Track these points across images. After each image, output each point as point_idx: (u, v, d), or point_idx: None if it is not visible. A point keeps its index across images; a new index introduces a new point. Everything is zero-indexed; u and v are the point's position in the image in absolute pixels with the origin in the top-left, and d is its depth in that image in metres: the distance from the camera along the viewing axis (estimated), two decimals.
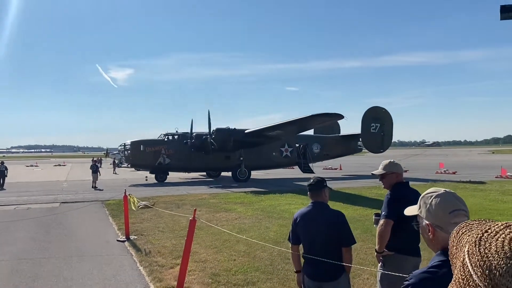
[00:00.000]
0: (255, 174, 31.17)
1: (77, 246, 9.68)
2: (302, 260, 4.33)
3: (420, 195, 4.38)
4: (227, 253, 8.65)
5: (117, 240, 10.24)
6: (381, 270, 4.24)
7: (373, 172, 4.63)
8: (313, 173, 31.55)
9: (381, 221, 4.16)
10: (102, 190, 23.08)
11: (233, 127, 27.30)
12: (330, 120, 25.04)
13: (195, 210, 6.72)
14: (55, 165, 61.82)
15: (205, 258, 8.21)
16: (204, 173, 34.19)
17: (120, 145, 29.48)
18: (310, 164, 31.73)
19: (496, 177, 27.77)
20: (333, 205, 14.31)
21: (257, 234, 10.52)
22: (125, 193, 11.49)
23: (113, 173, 40.85)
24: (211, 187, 24.18)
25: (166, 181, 28.51)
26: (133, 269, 7.73)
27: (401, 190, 4.32)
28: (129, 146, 28.52)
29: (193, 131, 28.64)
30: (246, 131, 26.99)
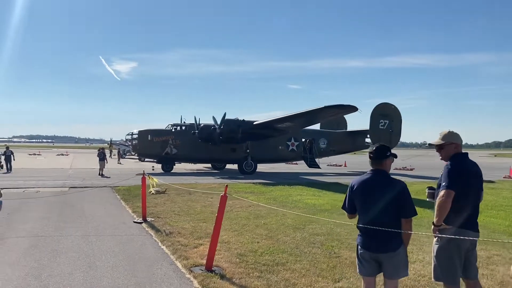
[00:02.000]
0: (260, 167, 30.85)
1: (93, 226, 9.50)
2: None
3: (479, 168, 4.18)
4: (249, 236, 8.47)
5: (134, 222, 10.06)
6: (437, 244, 4.05)
7: (430, 142, 4.40)
8: (319, 168, 31.41)
9: (442, 192, 3.92)
10: (109, 177, 22.90)
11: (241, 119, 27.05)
12: (343, 112, 24.73)
13: (226, 186, 6.55)
14: (57, 155, 61.60)
15: (228, 240, 8.03)
16: (209, 165, 34.01)
17: (127, 134, 29.36)
18: (316, 159, 31.54)
19: (504, 177, 27.64)
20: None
21: (275, 220, 10.34)
22: (143, 174, 11.32)
23: (118, 163, 40.65)
24: (218, 178, 24.00)
25: (172, 171, 28.34)
26: (156, 248, 7.56)
27: (461, 161, 4.11)
28: (136, 135, 28.29)
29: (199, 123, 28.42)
30: (255, 123, 26.71)
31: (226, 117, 26.33)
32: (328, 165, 40.06)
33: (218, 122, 26.67)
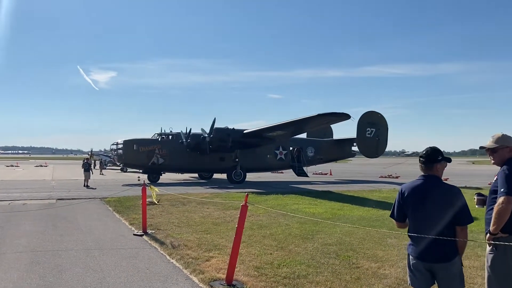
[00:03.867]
0: (247, 177, 30.47)
1: (92, 239, 9.07)
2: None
3: None
4: (259, 247, 8.20)
5: (134, 234, 9.66)
6: (492, 254, 3.84)
7: (483, 146, 4.20)
8: (307, 176, 31.33)
9: (501, 199, 3.71)
10: (95, 189, 22.28)
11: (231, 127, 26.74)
12: (336, 120, 24.62)
13: (247, 194, 6.26)
14: (36, 166, 60.03)
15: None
16: (195, 175, 33.53)
17: (112, 144, 28.55)
18: (304, 168, 31.44)
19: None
20: (342, 206, 13.91)
21: (281, 230, 10.08)
22: (143, 184, 10.93)
23: (100, 174, 39.75)
24: (207, 188, 23.60)
25: (158, 182, 27.77)
26: (165, 262, 7.20)
27: None
28: (121, 145, 27.64)
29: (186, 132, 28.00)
30: (245, 131, 26.43)
31: (216, 126, 26.03)
32: (314, 174, 40.04)
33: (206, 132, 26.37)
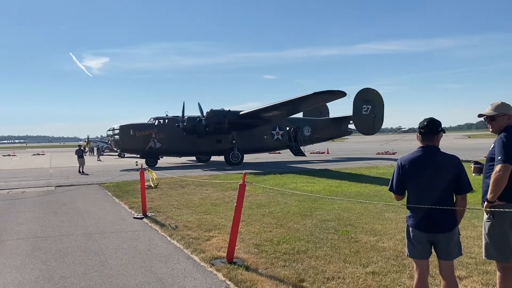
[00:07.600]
0: (245, 158, 30.55)
1: (92, 223, 9.12)
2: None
3: None
4: (258, 225, 8.27)
5: (134, 218, 9.72)
6: (489, 221, 3.89)
7: (482, 113, 4.17)
8: (305, 156, 31.40)
9: (498, 166, 3.71)
10: (88, 174, 22.28)
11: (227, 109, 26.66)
12: (332, 98, 24.44)
13: (244, 173, 6.27)
14: (33, 154, 59.97)
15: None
16: (193, 158, 33.56)
17: (109, 130, 28.46)
18: (302, 147, 31.48)
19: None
20: (340, 183, 14.02)
21: (279, 208, 10.16)
22: (141, 167, 10.95)
23: (98, 160, 39.78)
24: (206, 170, 23.65)
25: (157, 166, 27.79)
26: (166, 243, 7.26)
27: None
28: (118, 130, 27.56)
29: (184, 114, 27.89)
30: (241, 113, 26.36)
31: (212, 108, 25.98)
32: (311, 153, 40.13)
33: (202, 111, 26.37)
